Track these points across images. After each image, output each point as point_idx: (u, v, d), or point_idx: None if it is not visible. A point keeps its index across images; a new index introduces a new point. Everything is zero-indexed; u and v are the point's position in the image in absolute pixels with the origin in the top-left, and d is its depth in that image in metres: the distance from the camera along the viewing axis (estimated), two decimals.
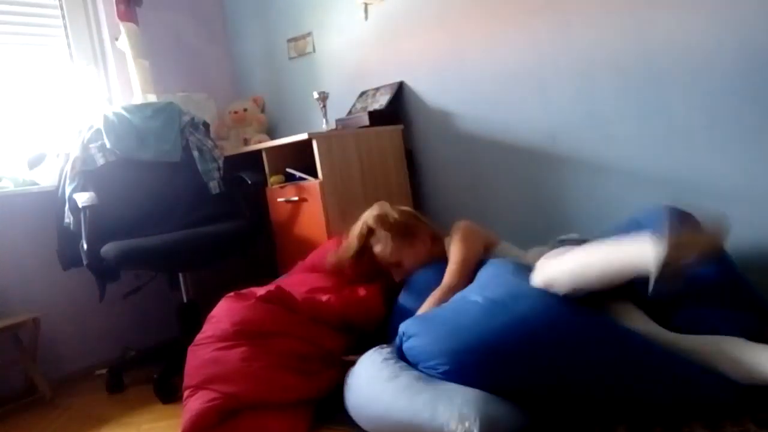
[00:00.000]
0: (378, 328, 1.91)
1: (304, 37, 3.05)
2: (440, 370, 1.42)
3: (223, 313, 1.80)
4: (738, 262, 1.72)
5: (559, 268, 1.46)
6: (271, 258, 2.67)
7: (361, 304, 1.91)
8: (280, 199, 2.50)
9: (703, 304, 1.56)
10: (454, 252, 1.87)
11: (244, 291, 1.88)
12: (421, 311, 1.74)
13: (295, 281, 2.04)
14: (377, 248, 2.01)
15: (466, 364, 1.38)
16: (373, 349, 1.65)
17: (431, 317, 1.57)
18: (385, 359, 1.55)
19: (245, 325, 1.73)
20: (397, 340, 1.59)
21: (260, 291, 1.84)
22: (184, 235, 2.22)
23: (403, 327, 1.57)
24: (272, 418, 1.57)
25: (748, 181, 1.89)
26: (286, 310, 1.79)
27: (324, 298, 1.89)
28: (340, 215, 2.37)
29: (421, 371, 1.49)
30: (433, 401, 1.32)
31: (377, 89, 2.75)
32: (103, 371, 2.41)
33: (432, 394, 1.35)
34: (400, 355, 1.58)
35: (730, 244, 1.88)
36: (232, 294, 1.88)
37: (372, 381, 1.50)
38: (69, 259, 2.32)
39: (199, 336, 1.78)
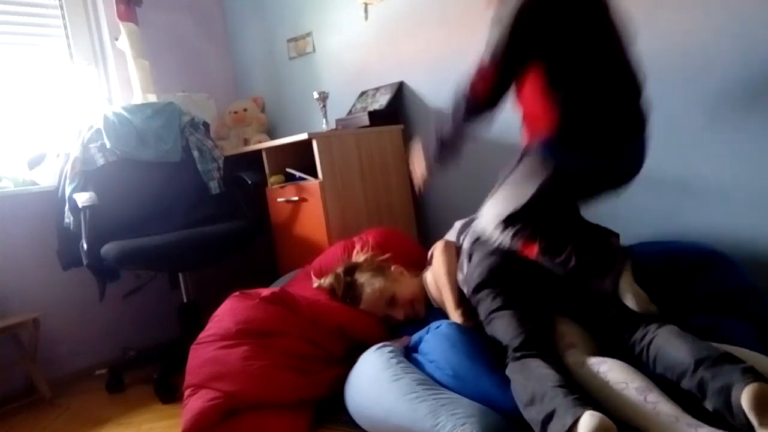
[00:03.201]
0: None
1: (304, 37, 3.05)
2: (445, 372, 1.46)
3: (227, 312, 1.80)
4: (738, 262, 1.73)
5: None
6: (271, 258, 2.67)
7: (363, 322, 1.88)
8: (280, 199, 2.50)
9: (715, 312, 1.55)
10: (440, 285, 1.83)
11: (249, 291, 1.88)
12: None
13: (303, 286, 2.04)
14: (366, 297, 1.89)
15: (468, 390, 1.41)
16: (375, 346, 1.65)
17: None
18: (389, 359, 1.55)
19: (248, 325, 1.73)
20: (422, 332, 1.65)
21: (265, 291, 1.85)
22: (185, 235, 2.22)
23: (440, 323, 1.62)
24: (273, 418, 1.57)
25: (748, 181, 1.89)
26: (289, 311, 1.79)
27: (331, 304, 1.89)
28: (340, 215, 2.37)
29: (423, 367, 1.51)
30: (434, 410, 1.32)
31: (377, 89, 2.75)
32: (103, 371, 2.41)
33: (434, 403, 1.35)
34: (410, 350, 1.63)
35: (731, 244, 1.89)
36: (237, 293, 1.88)
37: (374, 382, 1.50)
38: (69, 259, 2.32)
39: (202, 335, 1.78)
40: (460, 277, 1.71)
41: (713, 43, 1.88)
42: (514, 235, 1.50)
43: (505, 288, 1.53)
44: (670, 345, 1.27)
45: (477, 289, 1.58)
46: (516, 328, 1.44)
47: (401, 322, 1.89)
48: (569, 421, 1.11)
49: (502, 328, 1.47)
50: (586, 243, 1.48)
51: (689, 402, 1.18)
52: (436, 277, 1.82)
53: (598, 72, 1.42)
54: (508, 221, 1.51)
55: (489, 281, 1.55)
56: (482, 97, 1.43)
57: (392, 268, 1.97)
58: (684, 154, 1.99)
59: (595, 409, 1.11)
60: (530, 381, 1.28)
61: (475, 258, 1.63)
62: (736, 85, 1.86)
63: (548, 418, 1.17)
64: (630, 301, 1.40)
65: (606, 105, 1.42)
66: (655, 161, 2.05)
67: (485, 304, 1.54)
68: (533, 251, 1.49)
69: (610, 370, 1.29)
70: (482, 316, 1.56)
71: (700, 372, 1.16)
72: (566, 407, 1.15)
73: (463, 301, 1.70)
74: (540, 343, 1.41)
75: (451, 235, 1.94)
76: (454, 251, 1.81)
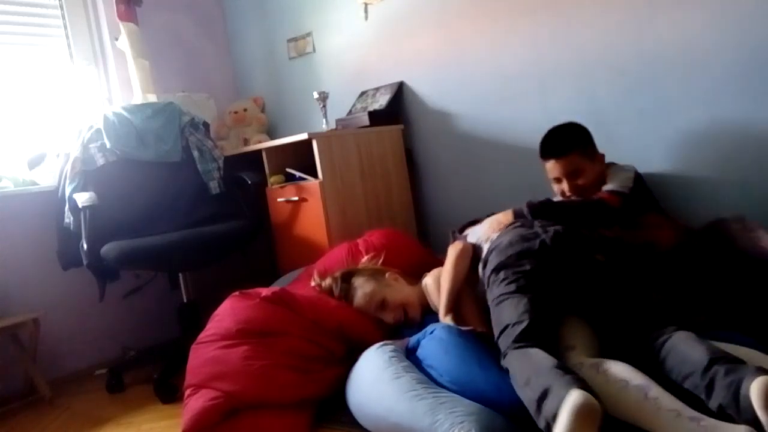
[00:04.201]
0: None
1: (304, 37, 3.05)
2: (443, 378, 1.46)
3: (227, 312, 1.80)
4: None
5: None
6: (271, 258, 2.67)
7: (363, 322, 1.88)
8: (280, 199, 2.50)
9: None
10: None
11: (249, 291, 1.87)
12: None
13: (306, 285, 2.04)
14: (357, 300, 1.91)
15: (465, 394, 1.40)
16: (377, 345, 1.66)
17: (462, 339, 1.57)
18: (390, 357, 1.56)
19: (248, 324, 1.72)
20: (420, 335, 1.64)
21: (265, 291, 1.85)
22: (185, 235, 2.22)
23: (434, 327, 1.61)
24: (273, 418, 1.57)
25: (749, 181, 1.89)
26: (289, 311, 1.79)
27: (332, 303, 1.89)
28: (340, 215, 2.38)
29: (423, 370, 1.51)
30: (433, 408, 1.32)
31: (377, 89, 2.75)
32: (103, 371, 2.42)
33: (433, 401, 1.35)
34: (410, 351, 1.62)
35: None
36: (236, 293, 1.88)
37: (376, 380, 1.51)
38: (69, 259, 2.32)
39: (202, 334, 1.78)
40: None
41: (714, 42, 1.88)
42: None
43: (525, 276, 1.49)
44: (686, 345, 1.26)
45: (497, 268, 1.54)
46: (522, 313, 1.40)
47: (392, 326, 1.89)
48: (564, 395, 1.10)
49: (509, 310, 1.43)
50: None
51: (692, 403, 1.16)
52: (442, 273, 1.81)
53: None
54: None
55: (512, 264, 1.51)
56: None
57: (387, 275, 1.97)
58: (684, 153, 1.99)
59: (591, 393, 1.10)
60: (528, 364, 1.28)
61: (507, 237, 1.59)
62: (737, 84, 1.86)
63: (543, 395, 1.16)
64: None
65: None
66: (656, 161, 2.05)
67: (499, 286, 1.50)
68: None
69: (609, 369, 1.28)
70: (492, 297, 1.51)
71: (714, 368, 1.15)
72: (562, 384, 1.14)
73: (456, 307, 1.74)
74: (542, 335, 1.38)
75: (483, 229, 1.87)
76: (470, 257, 1.80)
